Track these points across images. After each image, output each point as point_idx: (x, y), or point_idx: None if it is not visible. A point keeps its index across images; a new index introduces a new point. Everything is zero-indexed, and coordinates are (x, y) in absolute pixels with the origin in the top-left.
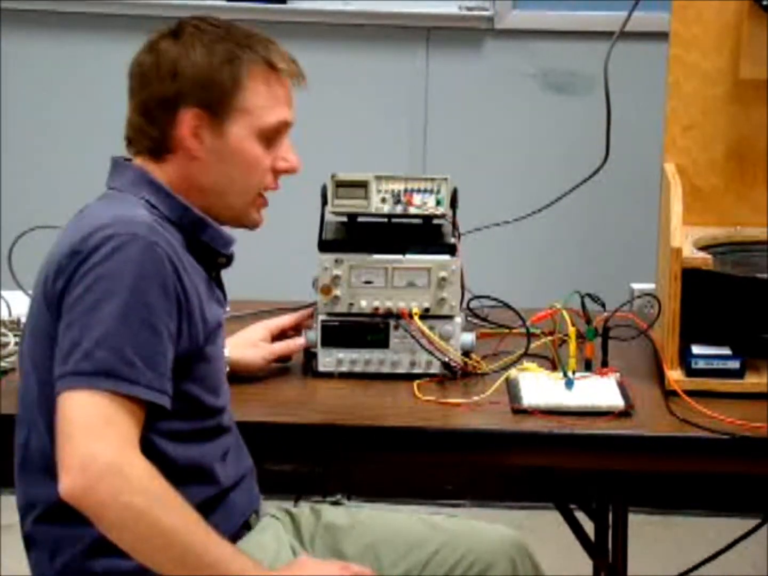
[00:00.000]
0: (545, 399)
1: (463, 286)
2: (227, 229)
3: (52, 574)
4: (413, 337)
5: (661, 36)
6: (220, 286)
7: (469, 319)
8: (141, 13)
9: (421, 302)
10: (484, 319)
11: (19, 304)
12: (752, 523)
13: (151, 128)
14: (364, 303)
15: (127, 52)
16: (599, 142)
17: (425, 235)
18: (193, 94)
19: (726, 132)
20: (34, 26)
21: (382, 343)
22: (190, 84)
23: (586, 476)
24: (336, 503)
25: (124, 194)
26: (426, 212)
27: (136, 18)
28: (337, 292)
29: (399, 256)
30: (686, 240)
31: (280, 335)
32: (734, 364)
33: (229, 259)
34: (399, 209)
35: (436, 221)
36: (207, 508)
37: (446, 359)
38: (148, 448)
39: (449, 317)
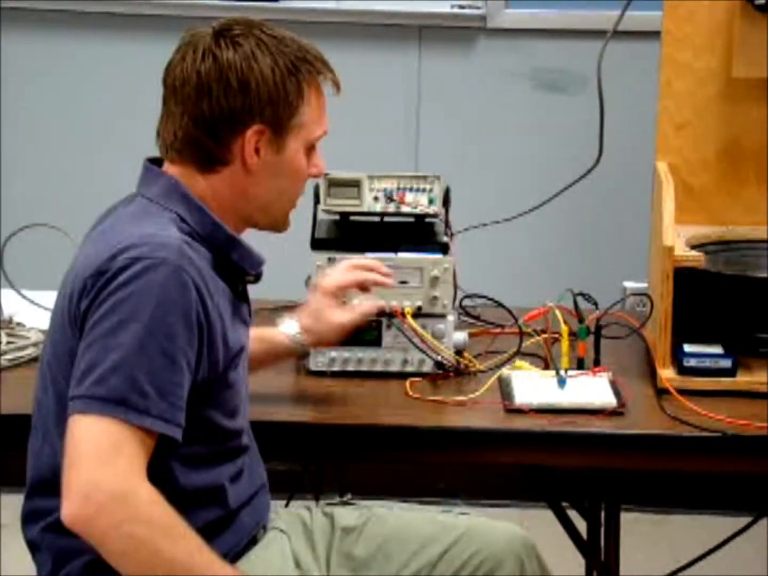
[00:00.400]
0: (538, 397)
1: (455, 285)
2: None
3: None
4: (406, 335)
5: (654, 35)
6: (246, 300)
7: (461, 317)
8: (142, 12)
9: (414, 301)
10: (477, 318)
11: (11, 304)
12: (744, 521)
13: (209, 141)
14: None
15: (128, 50)
16: (592, 141)
17: (418, 234)
18: (263, 110)
19: (718, 131)
20: (34, 25)
21: (375, 341)
22: (261, 100)
23: (579, 474)
24: (346, 503)
25: (155, 206)
26: (418, 211)
27: (138, 17)
28: None
29: (391, 255)
30: (678, 239)
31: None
32: (726, 363)
33: (257, 277)
34: (391, 208)
35: (428, 220)
36: (215, 529)
37: (439, 358)
38: (160, 472)
39: (442, 316)
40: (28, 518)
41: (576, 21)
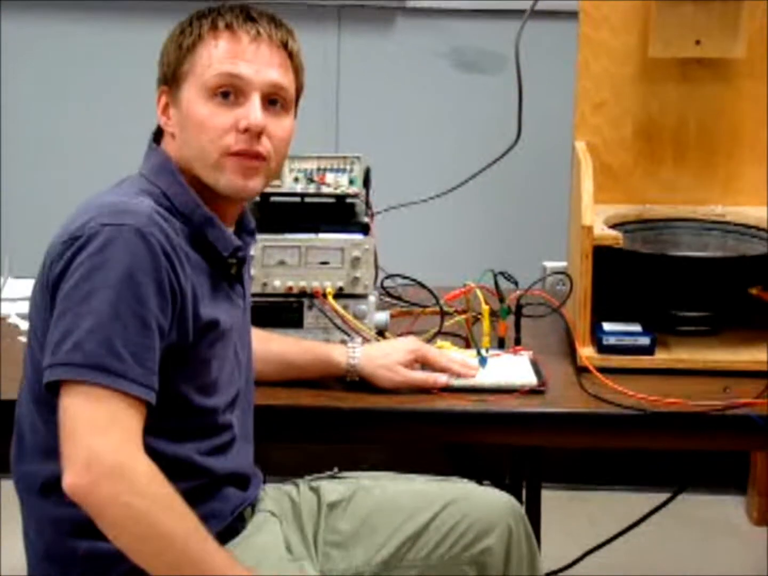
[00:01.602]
0: (460, 377)
1: (376, 265)
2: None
3: (39, 551)
4: (327, 316)
5: (571, 15)
6: (240, 281)
7: (382, 298)
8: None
9: (335, 281)
10: (398, 298)
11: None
12: (663, 496)
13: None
14: (277, 283)
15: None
16: (511, 120)
17: (338, 215)
18: (163, 69)
19: (635, 110)
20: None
21: (296, 322)
22: (161, 61)
23: (500, 452)
24: (333, 477)
25: (143, 181)
26: (339, 191)
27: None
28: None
29: (312, 236)
30: (597, 218)
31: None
32: (644, 341)
33: (241, 260)
34: (312, 188)
35: (349, 200)
36: (198, 497)
37: (360, 338)
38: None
39: (363, 296)
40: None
41: (494, 1)
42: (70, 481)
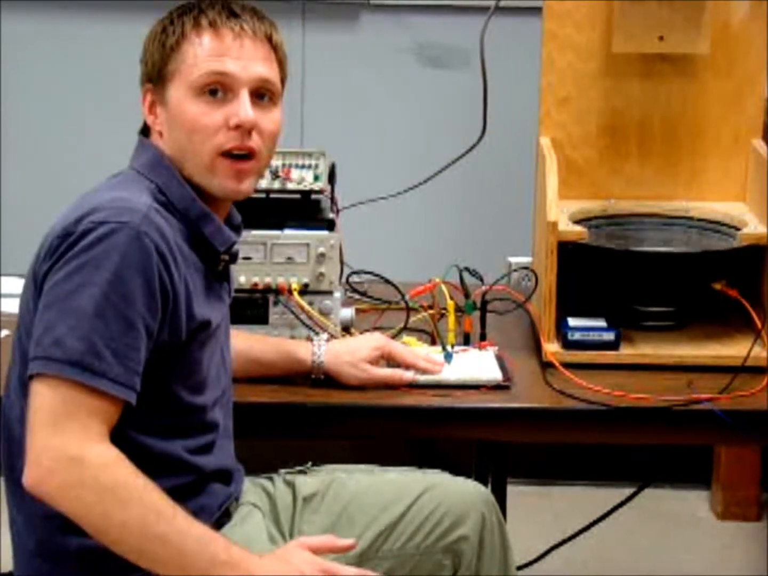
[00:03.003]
0: (425, 373)
1: (342, 261)
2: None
3: (29, 548)
4: (293, 312)
5: (536, 11)
6: (227, 279)
7: (348, 294)
8: None
9: (300, 278)
10: (364, 294)
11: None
12: (627, 492)
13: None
14: (243, 279)
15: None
16: (476, 116)
17: (303, 211)
18: (142, 71)
19: (599, 106)
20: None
21: (262, 318)
22: (144, 59)
23: (466, 448)
24: (307, 470)
25: (138, 176)
26: (304, 187)
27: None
28: None
29: (277, 232)
30: (562, 213)
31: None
32: (609, 336)
33: (232, 257)
34: (277, 185)
35: (314, 196)
36: (186, 493)
37: (326, 334)
38: (124, 440)
39: (328, 292)
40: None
41: None
42: (26, 474)
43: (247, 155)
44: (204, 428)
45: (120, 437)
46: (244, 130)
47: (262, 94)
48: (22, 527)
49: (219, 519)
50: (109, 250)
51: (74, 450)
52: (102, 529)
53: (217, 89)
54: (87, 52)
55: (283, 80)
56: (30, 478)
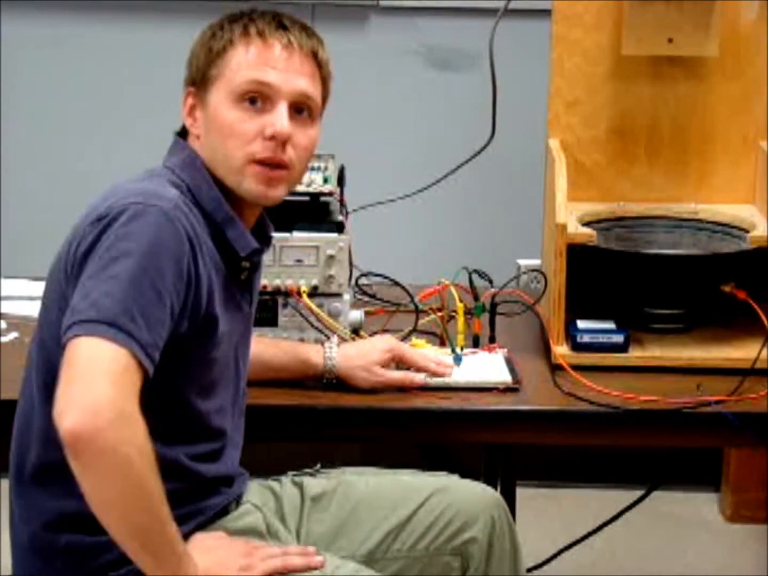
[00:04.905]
0: (435, 375)
1: (351, 264)
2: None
3: (23, 541)
4: (302, 314)
5: (545, 13)
6: (249, 290)
7: (357, 296)
8: None
9: (310, 280)
10: (373, 297)
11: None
12: (636, 494)
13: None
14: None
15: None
16: (485, 119)
17: (313, 213)
18: (191, 70)
19: (608, 108)
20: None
21: (271, 321)
22: (190, 62)
23: (475, 450)
24: (316, 473)
25: (169, 173)
26: (313, 190)
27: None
28: None
29: (287, 234)
30: (571, 216)
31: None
32: (618, 338)
33: (254, 265)
34: None
35: (323, 199)
36: (183, 498)
37: (335, 337)
38: None
39: (338, 295)
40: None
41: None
42: (73, 423)
43: (278, 166)
44: (209, 435)
45: None
46: (278, 141)
47: (301, 109)
48: (18, 520)
49: (213, 517)
50: (143, 225)
51: (132, 408)
52: (131, 493)
53: (256, 98)
54: (88, 54)
55: (325, 98)
56: (82, 427)
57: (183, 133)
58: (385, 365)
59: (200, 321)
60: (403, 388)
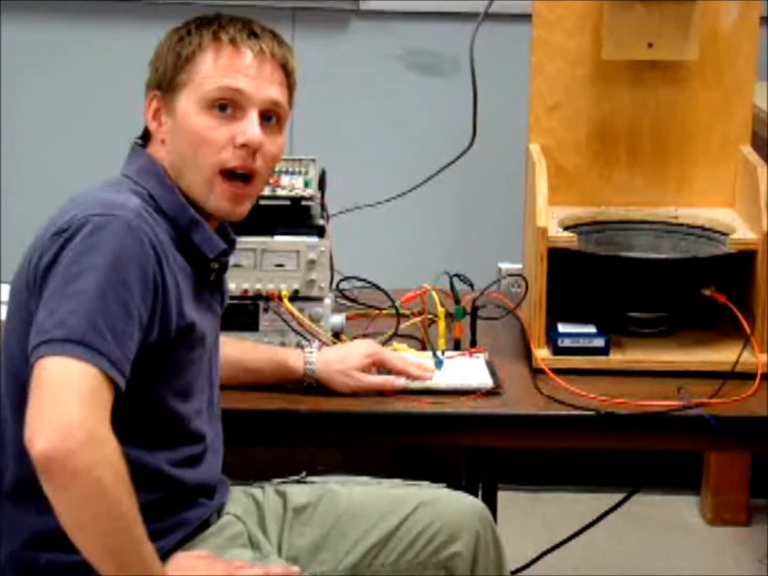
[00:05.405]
0: (415, 380)
1: (332, 268)
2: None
3: (2, 561)
4: (283, 319)
5: (526, 17)
6: (219, 289)
7: (338, 300)
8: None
9: (291, 284)
10: (354, 301)
11: None
12: (617, 498)
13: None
14: (233, 285)
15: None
16: (466, 123)
17: (294, 217)
18: (156, 74)
19: (589, 112)
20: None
21: (252, 325)
22: (155, 66)
23: (456, 454)
24: (300, 481)
25: (129, 182)
26: (294, 194)
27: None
28: None
29: (267, 238)
30: (552, 220)
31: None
32: (599, 342)
33: (222, 266)
34: (267, 191)
35: (304, 203)
36: (166, 508)
37: (316, 341)
38: None
39: (319, 299)
40: None
41: (448, 3)
42: (44, 446)
43: (247, 176)
44: (189, 439)
45: None
46: (249, 150)
47: (269, 117)
48: None
49: (195, 530)
50: (106, 237)
51: (103, 429)
52: (104, 515)
53: (227, 105)
54: (88, 57)
55: (290, 106)
56: (54, 449)
57: (145, 138)
58: (365, 370)
59: (175, 327)
60: (383, 393)
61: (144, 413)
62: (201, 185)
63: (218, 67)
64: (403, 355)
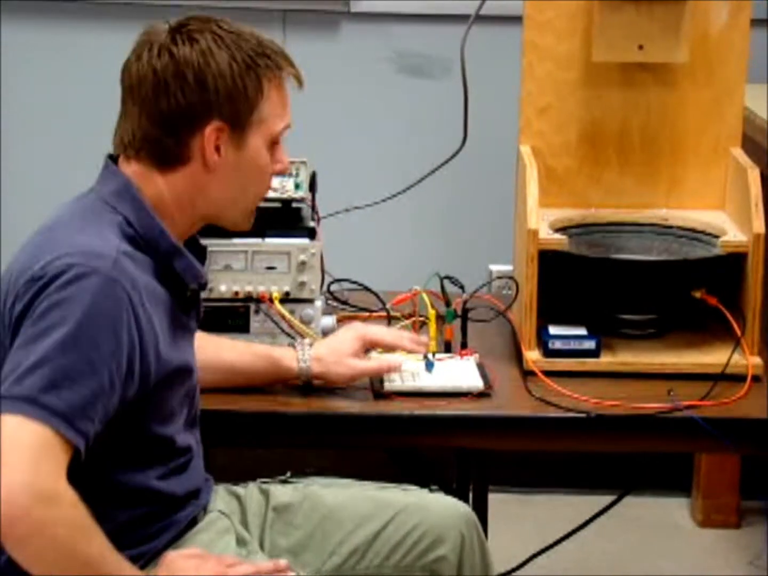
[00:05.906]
0: (406, 381)
1: (323, 270)
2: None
3: None
4: (274, 321)
5: (516, 20)
6: (195, 306)
7: (329, 302)
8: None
9: (281, 286)
10: (345, 303)
11: None
12: (608, 500)
13: (168, 139)
14: (223, 287)
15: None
16: (456, 125)
17: (285, 219)
18: (221, 107)
19: (580, 114)
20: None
21: (243, 327)
22: (219, 96)
23: (447, 456)
24: (285, 482)
25: (104, 206)
26: (285, 196)
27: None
28: None
29: (258, 240)
30: (542, 222)
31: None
32: (590, 344)
33: (201, 285)
34: None
35: (295, 205)
36: (157, 518)
37: (307, 342)
38: (95, 475)
39: (309, 301)
40: None
41: (439, 5)
42: (2, 507)
43: None
44: (175, 454)
45: (92, 473)
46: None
47: None
48: None
49: (184, 530)
50: (80, 292)
51: (51, 488)
52: (65, 566)
53: (278, 141)
54: (88, 58)
55: None
56: (6, 514)
57: (114, 156)
58: (358, 354)
59: (154, 375)
60: (379, 393)
61: (130, 441)
62: (249, 212)
63: (282, 104)
64: (394, 329)
